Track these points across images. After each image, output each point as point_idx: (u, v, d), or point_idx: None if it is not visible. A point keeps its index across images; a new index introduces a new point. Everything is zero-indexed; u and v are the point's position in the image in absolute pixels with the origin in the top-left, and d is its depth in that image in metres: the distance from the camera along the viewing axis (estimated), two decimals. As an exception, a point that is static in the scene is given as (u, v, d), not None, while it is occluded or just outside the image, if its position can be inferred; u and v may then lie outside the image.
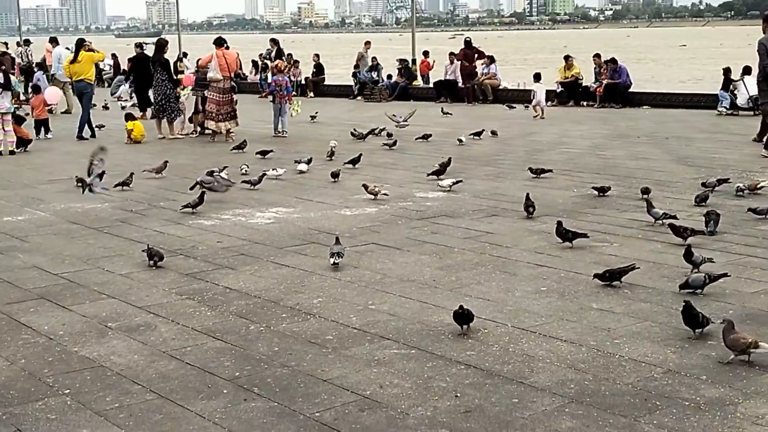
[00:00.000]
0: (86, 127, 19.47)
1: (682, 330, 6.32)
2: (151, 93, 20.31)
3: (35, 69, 28.62)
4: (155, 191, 12.53)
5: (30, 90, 23.01)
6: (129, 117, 18.91)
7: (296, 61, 32.06)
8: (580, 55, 29.92)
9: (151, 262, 8.18)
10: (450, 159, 13.65)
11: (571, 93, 25.75)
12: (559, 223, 9.00)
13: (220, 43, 18.88)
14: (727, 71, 22.52)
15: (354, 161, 14.31)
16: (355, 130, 18.53)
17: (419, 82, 30.97)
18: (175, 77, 20.02)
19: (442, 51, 33.62)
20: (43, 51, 28.61)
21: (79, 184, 11.79)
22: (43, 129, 19.63)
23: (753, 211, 9.94)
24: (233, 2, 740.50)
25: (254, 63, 35.34)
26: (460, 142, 17.27)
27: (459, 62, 27.47)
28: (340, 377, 5.53)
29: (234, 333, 6.40)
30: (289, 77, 31.63)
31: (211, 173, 12.03)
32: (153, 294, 7.41)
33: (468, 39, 27.98)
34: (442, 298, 7.18)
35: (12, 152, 17.02)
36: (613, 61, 24.86)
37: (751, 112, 21.17)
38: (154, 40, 20.95)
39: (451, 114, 22.86)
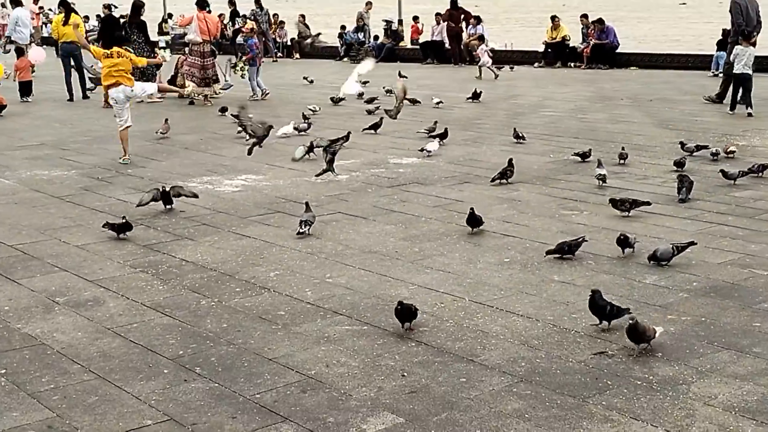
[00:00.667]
0: (67, 88, 19.18)
1: (642, 303, 6.18)
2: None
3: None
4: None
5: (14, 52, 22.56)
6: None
7: (282, 22, 31.64)
8: (577, 15, 29.43)
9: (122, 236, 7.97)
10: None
11: (558, 54, 25.44)
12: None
13: (202, 5, 18.47)
14: (726, 32, 22.13)
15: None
16: (335, 96, 18.11)
17: (406, 43, 30.58)
18: (163, 38, 19.66)
19: (429, 12, 33.16)
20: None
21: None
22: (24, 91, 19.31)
23: (724, 174, 9.75)
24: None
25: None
26: (438, 105, 17.06)
27: (445, 23, 27.11)
28: (286, 356, 5.38)
29: (184, 308, 6.24)
30: (274, 38, 31.44)
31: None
32: (107, 267, 7.24)
33: (454, -1, 27.60)
34: (403, 271, 7.02)
35: (-15, 118, 16.73)
36: (600, 21, 24.52)
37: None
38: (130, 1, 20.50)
39: (407, 77, 21.93)
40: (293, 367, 5.21)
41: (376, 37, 29.93)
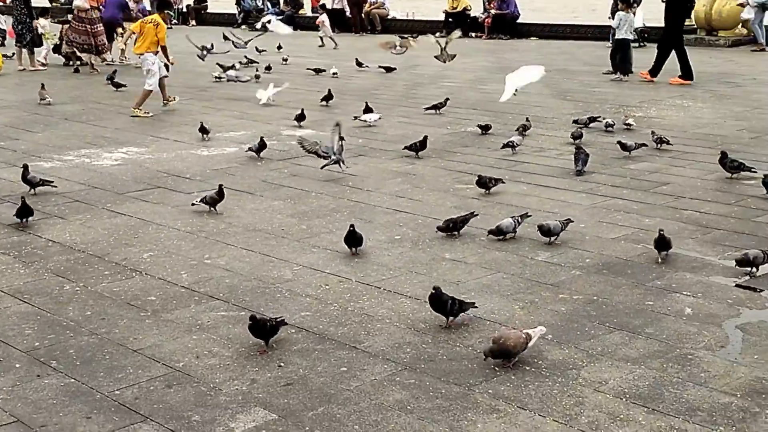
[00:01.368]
0: None
1: (533, 281, 5.95)
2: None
3: None
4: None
5: None
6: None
7: (178, -13, 30.60)
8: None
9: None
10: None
11: (459, 24, 25.16)
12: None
13: (89, -29, 17.58)
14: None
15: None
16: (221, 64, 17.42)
17: (306, 10, 29.94)
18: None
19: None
20: None
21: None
22: None
23: (621, 146, 9.64)
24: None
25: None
26: (334, 75, 16.66)
27: (346, -10, 26.61)
28: (153, 347, 4.95)
29: (45, 294, 5.73)
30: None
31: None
32: (-36, 249, 6.65)
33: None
34: (287, 251, 6.63)
35: None
36: (500, -10, 24.41)
37: (636, 44, 21.09)
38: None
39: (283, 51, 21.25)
40: (160, 359, 4.79)
41: (274, 4, 29.19)
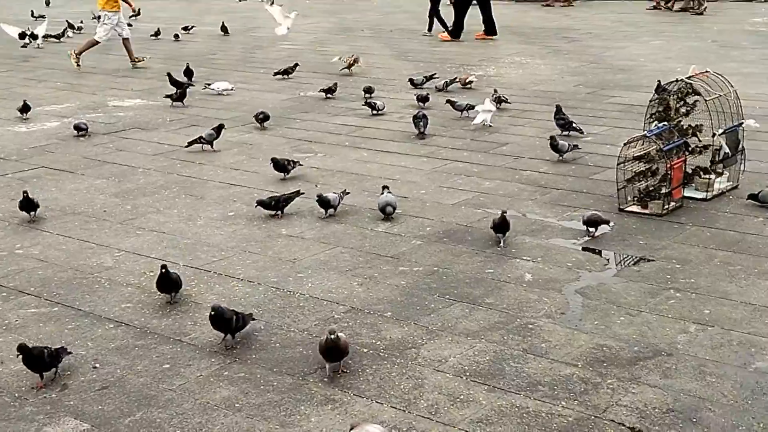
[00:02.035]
0: None
1: (373, 254, 5.71)
2: None
3: None
4: None
5: None
6: None
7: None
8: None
9: None
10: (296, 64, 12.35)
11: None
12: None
13: None
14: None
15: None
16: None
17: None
18: None
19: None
20: None
21: None
22: None
23: (451, 104, 9.50)
24: None
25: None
26: (176, 38, 15.94)
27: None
28: (-51, 355, 4.42)
29: None
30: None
31: None
32: None
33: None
34: (109, 235, 6.14)
35: None
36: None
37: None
38: None
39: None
40: (-43, 370, 4.27)
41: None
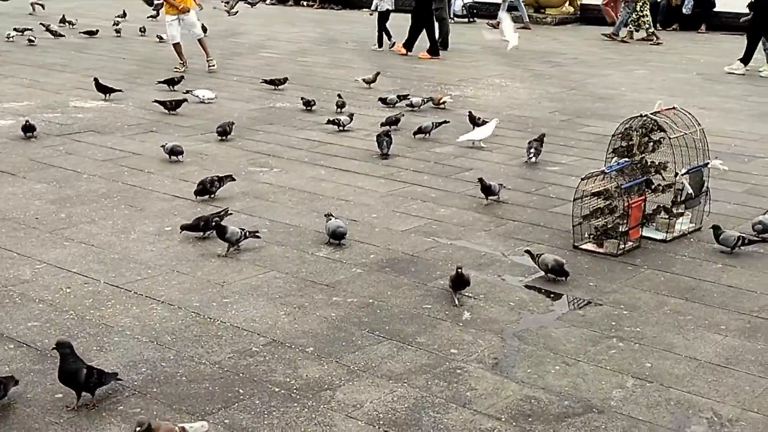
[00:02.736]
0: None
1: (308, 281, 5.40)
2: None
3: None
4: None
5: None
6: None
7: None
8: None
9: None
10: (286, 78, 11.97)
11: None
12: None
13: None
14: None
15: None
16: None
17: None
18: None
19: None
20: None
21: None
22: None
23: (419, 130, 9.18)
24: None
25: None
26: (160, 39, 15.66)
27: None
28: None
29: None
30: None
31: None
32: None
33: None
34: (35, 244, 5.83)
35: None
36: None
37: (466, 20, 20.99)
38: None
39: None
40: None
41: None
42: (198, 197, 6.84)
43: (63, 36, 15.99)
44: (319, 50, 16.08)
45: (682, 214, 6.37)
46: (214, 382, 4.15)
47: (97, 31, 16.53)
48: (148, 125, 9.40)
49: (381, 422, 3.87)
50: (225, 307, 4.99)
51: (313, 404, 3.99)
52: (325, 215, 6.20)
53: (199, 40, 13.13)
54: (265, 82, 11.72)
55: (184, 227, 6.02)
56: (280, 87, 11.66)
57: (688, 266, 5.85)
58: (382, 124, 9.29)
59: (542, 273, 5.58)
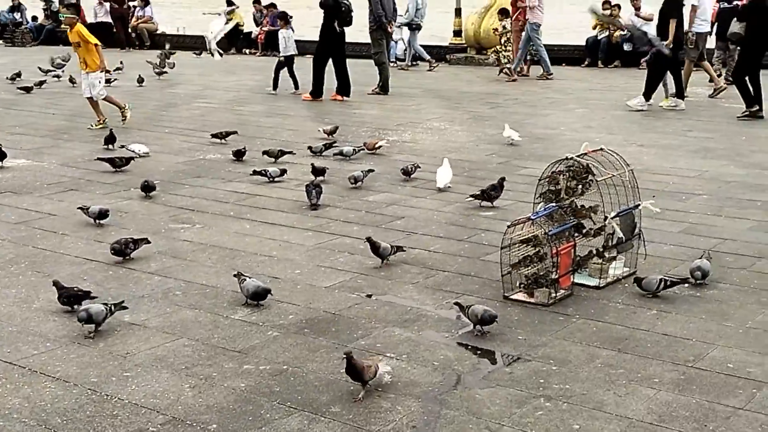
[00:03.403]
0: None
1: (219, 348, 5.06)
2: None
3: None
4: None
5: None
6: None
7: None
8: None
9: None
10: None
11: (231, 41, 24.19)
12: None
13: None
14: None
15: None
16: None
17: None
18: None
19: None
20: None
21: None
22: None
23: (352, 179, 8.89)
24: None
25: None
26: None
27: (107, 3, 24.95)
28: None
29: None
30: None
31: None
32: None
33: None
34: (-75, 319, 5.42)
35: None
36: (273, 5, 23.58)
37: (408, 63, 20.90)
38: None
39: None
40: None
41: (34, 18, 27.09)
42: (114, 256, 6.49)
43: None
44: (257, 99, 15.82)
45: (614, 259, 6.14)
46: (102, 471, 3.78)
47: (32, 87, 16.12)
48: (71, 183, 9.02)
49: None
50: (125, 381, 4.62)
51: (209, 491, 3.64)
52: (235, 275, 5.86)
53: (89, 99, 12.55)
54: (215, 136, 11.31)
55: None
56: (227, 139, 11.26)
57: (622, 314, 5.60)
58: (315, 171, 9.01)
59: (471, 327, 5.31)
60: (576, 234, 6.01)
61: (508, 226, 5.86)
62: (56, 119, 13.11)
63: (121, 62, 19.03)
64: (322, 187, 8.34)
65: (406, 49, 21.08)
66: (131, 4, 25.46)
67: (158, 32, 25.83)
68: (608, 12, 18.64)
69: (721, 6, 16.64)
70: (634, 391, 4.54)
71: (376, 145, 10.63)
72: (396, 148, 11.03)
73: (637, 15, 15.14)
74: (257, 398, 4.46)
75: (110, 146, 10.69)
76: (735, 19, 13.49)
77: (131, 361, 4.87)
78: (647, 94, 13.82)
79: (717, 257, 6.41)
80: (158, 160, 10.20)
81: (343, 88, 15.35)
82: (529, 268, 5.85)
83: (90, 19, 26.29)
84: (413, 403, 4.43)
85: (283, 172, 9.23)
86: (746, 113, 12.95)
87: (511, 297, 5.84)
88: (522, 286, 5.86)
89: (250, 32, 24.52)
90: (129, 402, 4.40)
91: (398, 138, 11.84)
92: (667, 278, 5.84)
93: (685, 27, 14.14)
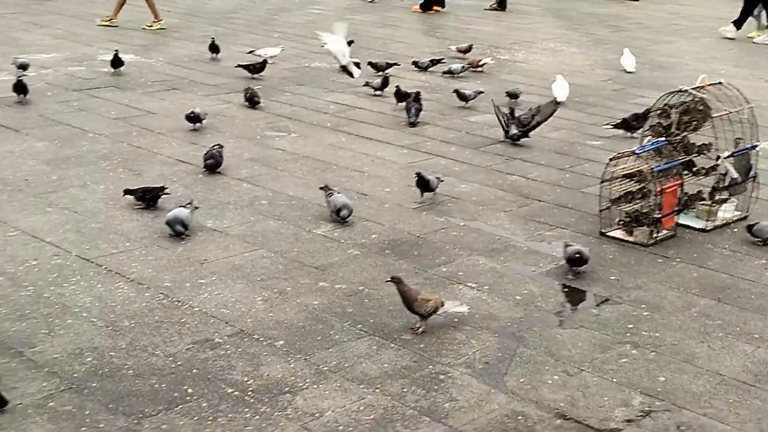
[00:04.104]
0: None
1: (297, 263, 4.93)
2: None
3: None
4: None
5: None
6: None
7: None
8: None
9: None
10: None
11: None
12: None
13: None
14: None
15: None
16: None
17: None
18: None
19: None
20: None
21: None
22: None
23: (459, 95, 8.55)
24: None
25: None
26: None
27: None
28: None
29: None
30: None
31: None
32: None
33: None
34: (15, 209, 5.51)
35: None
36: None
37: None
38: None
39: None
40: None
41: None
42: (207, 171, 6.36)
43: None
44: (367, 8, 15.44)
45: (725, 201, 5.70)
46: (162, 379, 3.71)
47: None
48: (173, 82, 8.99)
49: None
50: (198, 289, 4.55)
51: (266, 410, 3.53)
52: (321, 188, 5.69)
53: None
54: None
55: (128, 191, 5.58)
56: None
57: (727, 261, 5.21)
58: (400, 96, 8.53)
59: (562, 263, 5.02)
60: (685, 172, 5.59)
61: (611, 159, 5.48)
62: (170, 16, 13.07)
63: None
64: (422, 105, 8.03)
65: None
66: None
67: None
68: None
69: None
70: (730, 346, 4.20)
71: (480, 63, 10.21)
72: (506, 68, 10.60)
73: None
74: (328, 318, 4.32)
75: (215, 55, 10.38)
76: None
77: (207, 269, 4.79)
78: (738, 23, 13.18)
79: (840, 208, 5.90)
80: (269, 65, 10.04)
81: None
82: (631, 204, 5.49)
83: None
84: (489, 337, 4.21)
85: (385, 83, 8.91)
86: None
87: (609, 234, 5.50)
88: (621, 223, 5.51)
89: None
90: (199, 310, 4.32)
91: (510, 57, 11.37)
92: (781, 227, 5.39)
93: None
